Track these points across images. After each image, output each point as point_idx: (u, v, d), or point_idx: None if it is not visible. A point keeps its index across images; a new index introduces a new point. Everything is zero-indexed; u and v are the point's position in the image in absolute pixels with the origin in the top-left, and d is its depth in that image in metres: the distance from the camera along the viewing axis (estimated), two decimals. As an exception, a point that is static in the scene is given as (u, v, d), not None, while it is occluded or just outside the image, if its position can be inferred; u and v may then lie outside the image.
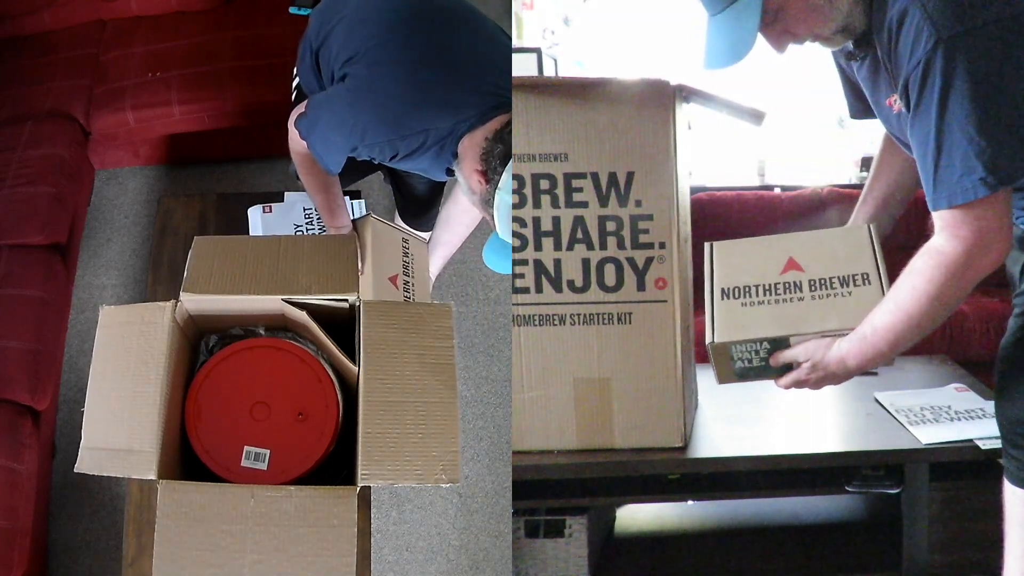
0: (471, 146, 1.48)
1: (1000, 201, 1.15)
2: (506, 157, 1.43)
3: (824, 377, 1.38)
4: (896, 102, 1.25)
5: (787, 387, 1.43)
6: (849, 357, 1.35)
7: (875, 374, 1.99)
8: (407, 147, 1.56)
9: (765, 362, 1.45)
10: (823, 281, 1.48)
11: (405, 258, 1.87)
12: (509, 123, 1.45)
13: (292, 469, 1.42)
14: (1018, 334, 1.32)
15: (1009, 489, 1.32)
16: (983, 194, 1.13)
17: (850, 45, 1.29)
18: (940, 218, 1.19)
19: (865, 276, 1.46)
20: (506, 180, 1.42)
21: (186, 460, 1.45)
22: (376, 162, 1.70)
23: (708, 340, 1.46)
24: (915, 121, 1.17)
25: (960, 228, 1.17)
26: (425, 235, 2.31)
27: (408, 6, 1.62)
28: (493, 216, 1.46)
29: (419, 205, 2.33)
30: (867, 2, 1.22)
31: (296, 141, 1.70)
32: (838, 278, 1.47)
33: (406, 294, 1.85)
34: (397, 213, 2.39)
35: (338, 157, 1.67)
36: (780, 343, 1.44)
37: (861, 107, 1.49)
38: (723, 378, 1.50)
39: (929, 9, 1.11)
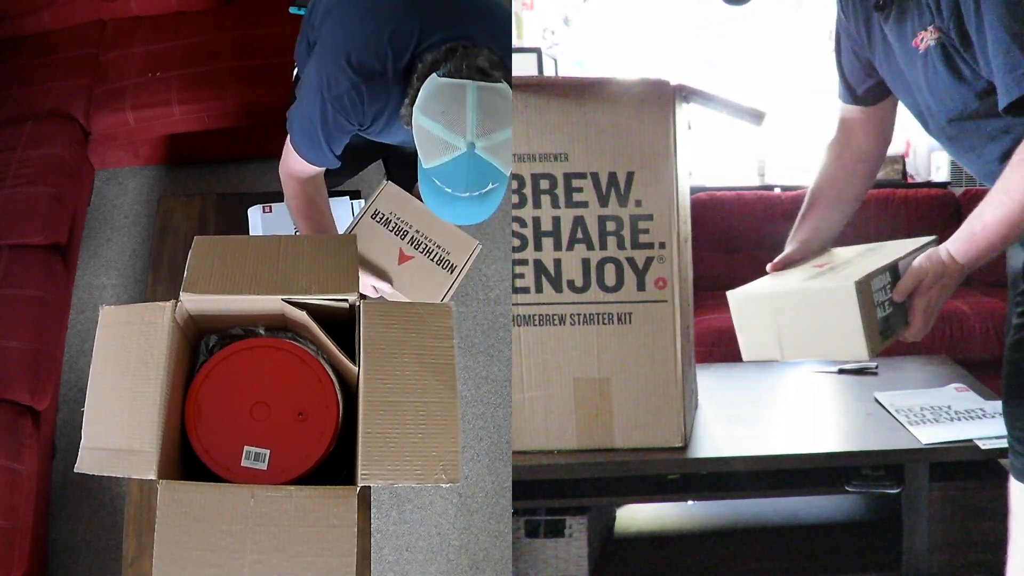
0: None
1: None
2: (427, 70, 1.39)
3: (944, 283, 1.31)
4: (923, 40, 1.26)
5: (921, 312, 1.33)
6: (960, 254, 1.30)
7: (875, 373, 1.99)
8: (372, 95, 1.52)
9: (892, 304, 1.31)
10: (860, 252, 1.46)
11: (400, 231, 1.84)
12: (451, 49, 1.40)
13: (292, 469, 1.42)
14: (1023, 331, 1.32)
15: (1017, 486, 1.33)
16: None
17: None
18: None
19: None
20: (421, 97, 1.37)
21: (186, 460, 1.45)
22: (364, 143, 1.67)
23: (847, 284, 1.27)
24: (976, 35, 1.18)
25: None
26: None
27: None
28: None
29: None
30: None
31: (284, 163, 1.69)
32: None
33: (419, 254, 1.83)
34: None
35: (319, 145, 1.63)
36: (895, 272, 1.33)
37: (851, 93, 1.52)
38: (872, 340, 1.28)
39: None
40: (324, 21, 1.63)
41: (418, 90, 1.39)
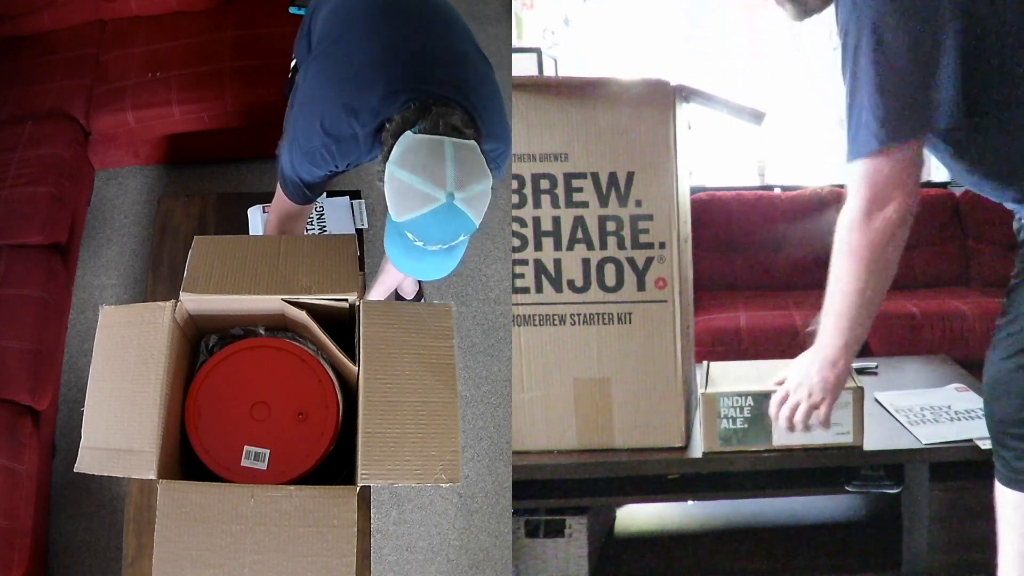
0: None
1: (895, 157, 1.19)
2: (400, 128, 1.40)
3: (813, 392, 1.41)
4: None
5: (788, 422, 1.45)
6: (818, 363, 1.37)
7: (875, 373, 1.99)
8: (343, 153, 1.55)
9: (746, 421, 1.56)
10: None
11: None
12: (422, 109, 1.41)
13: (292, 469, 1.42)
14: (1001, 333, 1.32)
15: (1000, 490, 1.32)
16: (873, 148, 1.18)
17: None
18: (848, 179, 1.24)
19: None
20: (396, 152, 1.38)
21: (186, 460, 1.45)
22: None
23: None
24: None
25: (859, 185, 1.23)
26: None
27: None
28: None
29: None
30: None
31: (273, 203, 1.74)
32: None
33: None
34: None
35: (294, 183, 1.65)
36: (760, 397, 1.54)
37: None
38: (709, 440, 1.58)
39: None
40: (309, 65, 1.64)
41: (391, 147, 1.40)
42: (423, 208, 1.34)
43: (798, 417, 1.42)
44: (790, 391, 1.43)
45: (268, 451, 1.43)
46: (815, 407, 1.41)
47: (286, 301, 1.49)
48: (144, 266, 2.60)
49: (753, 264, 3.19)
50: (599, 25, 3.30)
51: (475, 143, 1.39)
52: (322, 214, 2.16)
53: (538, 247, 1.52)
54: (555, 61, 3.24)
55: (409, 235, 1.38)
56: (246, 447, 1.42)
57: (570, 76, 3.13)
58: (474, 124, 1.44)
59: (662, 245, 1.50)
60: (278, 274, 1.53)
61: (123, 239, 2.72)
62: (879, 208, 1.20)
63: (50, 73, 2.63)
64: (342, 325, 1.52)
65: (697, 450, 1.58)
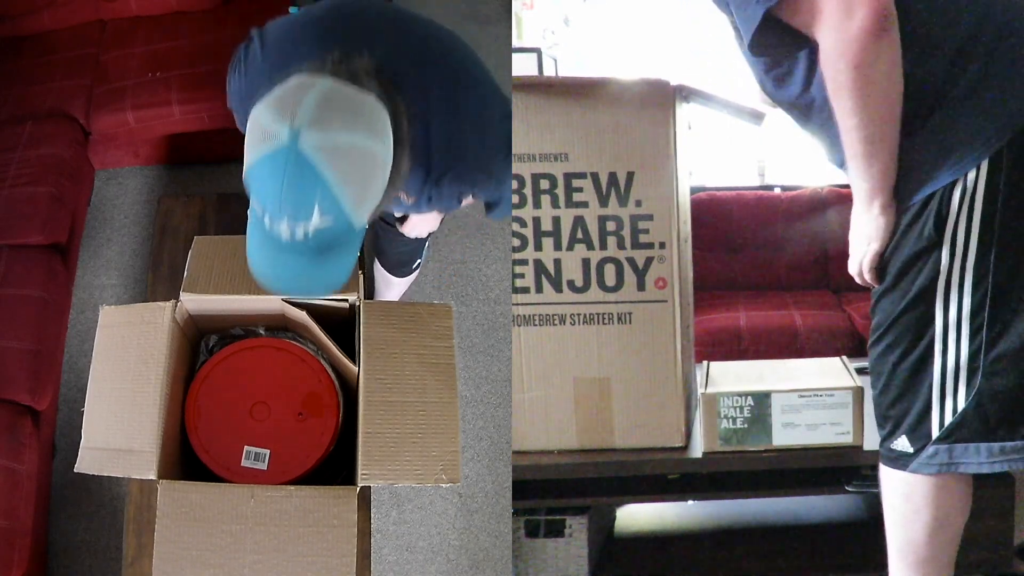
0: None
1: None
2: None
3: (871, 239, 1.28)
4: None
5: (860, 277, 1.33)
6: (859, 213, 1.27)
7: None
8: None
9: (746, 421, 1.57)
10: None
11: None
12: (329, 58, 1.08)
13: (292, 469, 1.42)
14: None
15: (883, 471, 1.35)
16: None
17: None
18: (814, 22, 1.12)
19: None
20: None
21: (186, 460, 1.45)
22: None
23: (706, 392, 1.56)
24: None
25: (819, 6, 1.10)
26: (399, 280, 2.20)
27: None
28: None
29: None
30: None
31: None
32: None
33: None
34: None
35: None
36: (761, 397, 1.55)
37: None
38: (709, 438, 1.58)
39: None
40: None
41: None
42: (262, 148, 0.98)
43: (866, 266, 1.31)
44: (852, 251, 1.34)
45: (268, 451, 1.43)
46: (879, 254, 1.31)
47: (286, 301, 1.49)
48: (144, 266, 2.60)
49: (753, 264, 3.19)
50: (599, 25, 3.30)
51: (373, 98, 1.03)
52: (322, 214, 2.16)
53: (538, 247, 1.52)
54: (555, 61, 3.24)
55: (254, 203, 1.02)
56: (246, 447, 1.43)
57: (570, 76, 3.13)
58: (389, 84, 1.08)
59: (662, 245, 1.50)
60: (278, 274, 1.53)
61: (123, 239, 2.72)
62: (847, 18, 1.08)
63: (50, 73, 2.63)
64: (342, 325, 1.52)
65: (697, 450, 1.58)
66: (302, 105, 0.97)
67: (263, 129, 0.98)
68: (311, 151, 0.96)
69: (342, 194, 0.99)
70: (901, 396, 1.28)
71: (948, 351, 1.24)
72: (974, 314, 1.22)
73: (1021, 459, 1.26)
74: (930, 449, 1.27)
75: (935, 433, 1.26)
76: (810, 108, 1.29)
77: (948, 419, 1.25)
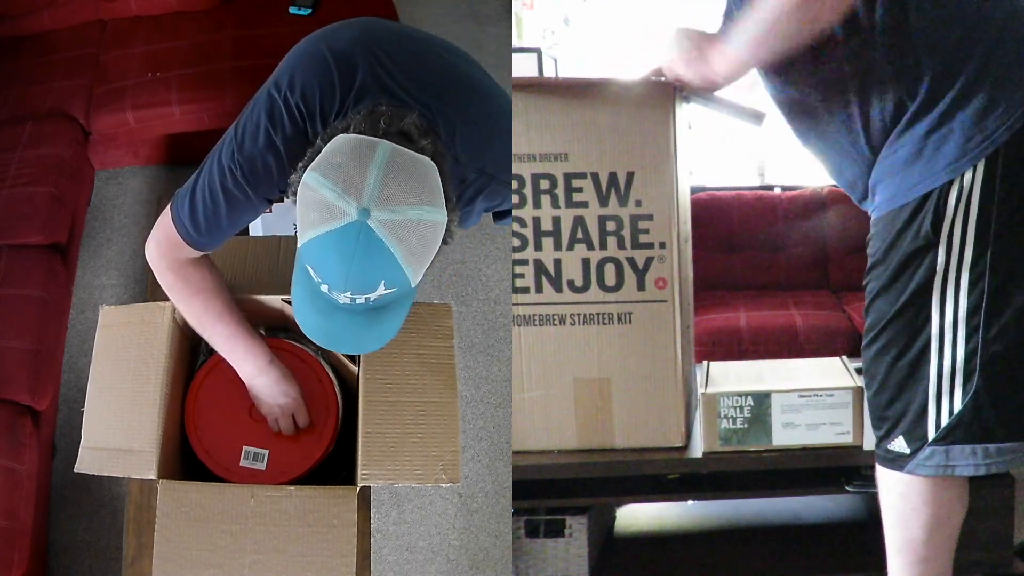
0: None
1: None
2: (340, 129, 1.06)
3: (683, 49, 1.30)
4: None
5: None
6: (708, 47, 1.28)
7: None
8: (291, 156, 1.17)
9: (746, 422, 1.56)
10: None
11: None
12: (376, 111, 1.07)
13: (291, 469, 1.42)
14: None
15: (879, 472, 1.35)
16: None
17: None
18: None
19: None
20: (319, 154, 1.03)
21: (186, 460, 1.45)
22: None
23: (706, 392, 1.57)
24: None
25: None
26: None
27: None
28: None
29: None
30: None
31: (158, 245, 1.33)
32: None
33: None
34: None
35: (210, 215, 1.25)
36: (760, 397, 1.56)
37: None
38: (709, 440, 1.58)
39: None
40: None
41: (319, 150, 1.04)
42: (325, 225, 0.97)
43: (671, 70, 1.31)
44: (668, 51, 1.32)
45: (267, 451, 1.43)
46: (677, 77, 1.32)
47: (286, 301, 1.49)
48: (144, 266, 2.60)
49: (753, 264, 3.19)
50: (599, 25, 3.30)
51: (428, 160, 1.03)
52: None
53: (538, 247, 1.52)
54: (555, 61, 3.24)
55: (311, 271, 1.01)
56: (245, 447, 1.43)
57: (570, 76, 3.13)
58: (435, 135, 1.11)
59: (662, 245, 1.50)
60: (278, 274, 1.54)
61: (123, 239, 2.72)
62: None
63: (50, 73, 2.63)
64: (342, 325, 1.52)
65: (697, 450, 1.58)
66: (367, 183, 0.96)
67: (325, 204, 0.97)
68: (380, 230, 0.96)
69: (408, 267, 0.99)
70: (897, 397, 1.28)
71: (944, 352, 1.23)
72: (971, 315, 1.21)
73: (1017, 460, 1.26)
74: (926, 451, 1.27)
75: (931, 435, 1.26)
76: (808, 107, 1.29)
77: (945, 420, 1.25)
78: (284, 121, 1.18)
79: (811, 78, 1.25)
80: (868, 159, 1.25)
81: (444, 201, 1.03)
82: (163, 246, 1.34)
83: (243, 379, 1.43)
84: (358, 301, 1.00)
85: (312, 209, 0.98)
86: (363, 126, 1.03)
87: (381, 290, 0.99)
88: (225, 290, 1.41)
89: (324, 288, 1.01)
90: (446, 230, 1.05)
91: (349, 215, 0.95)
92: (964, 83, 1.15)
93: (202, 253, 1.35)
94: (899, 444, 1.29)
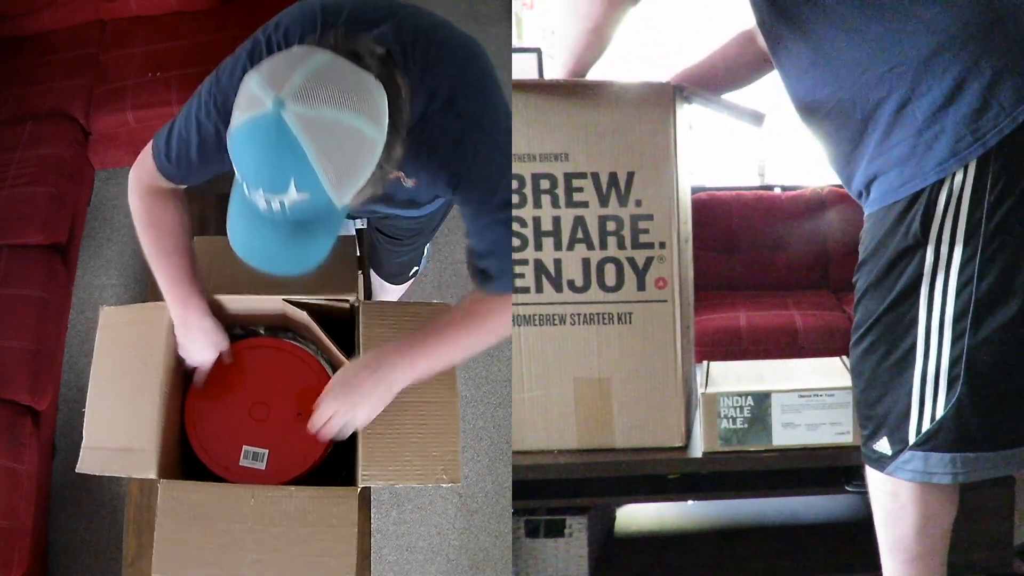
0: None
1: None
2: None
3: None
4: None
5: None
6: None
7: None
8: None
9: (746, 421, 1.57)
10: None
11: None
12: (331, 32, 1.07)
13: (291, 469, 1.42)
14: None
15: (867, 470, 1.34)
16: None
17: None
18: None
19: None
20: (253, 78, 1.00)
21: (186, 460, 1.45)
22: None
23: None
24: None
25: None
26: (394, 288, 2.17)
27: None
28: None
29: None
30: None
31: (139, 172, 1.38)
32: None
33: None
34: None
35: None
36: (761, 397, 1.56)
37: None
38: (709, 441, 1.58)
39: None
40: None
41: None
42: (244, 114, 0.98)
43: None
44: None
45: (267, 451, 1.42)
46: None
47: (286, 301, 1.50)
48: (144, 266, 2.60)
49: (753, 264, 3.19)
50: (599, 25, 3.29)
51: (372, 77, 1.02)
52: (322, 214, 2.17)
53: (538, 247, 1.52)
54: (555, 61, 3.24)
55: (236, 170, 1.03)
56: (244, 447, 1.42)
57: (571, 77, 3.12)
58: (393, 65, 1.08)
59: (662, 245, 1.50)
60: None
61: (123, 239, 2.72)
62: None
63: (50, 73, 2.63)
64: (342, 325, 1.52)
65: (697, 450, 1.58)
66: (292, 77, 0.96)
67: (251, 94, 0.97)
68: (294, 122, 0.95)
69: (321, 170, 0.97)
70: (882, 397, 1.27)
71: (930, 355, 1.22)
72: (957, 319, 1.19)
73: (996, 471, 1.25)
74: (906, 455, 1.26)
75: (912, 439, 1.24)
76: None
77: (927, 425, 1.23)
78: (262, 57, 1.17)
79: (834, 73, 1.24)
80: (866, 153, 1.24)
81: (380, 119, 1.02)
82: (139, 170, 1.38)
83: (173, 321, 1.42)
84: (275, 206, 0.99)
85: (240, 99, 0.99)
86: (316, 41, 1.04)
87: (294, 193, 0.98)
88: (184, 234, 1.41)
89: (246, 190, 1.01)
90: (389, 155, 1.04)
91: (265, 105, 0.95)
92: (957, 83, 1.15)
93: (173, 186, 1.37)
94: (883, 445, 1.28)
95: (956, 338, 1.20)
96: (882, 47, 1.17)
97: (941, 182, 1.17)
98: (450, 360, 1.34)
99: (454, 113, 1.17)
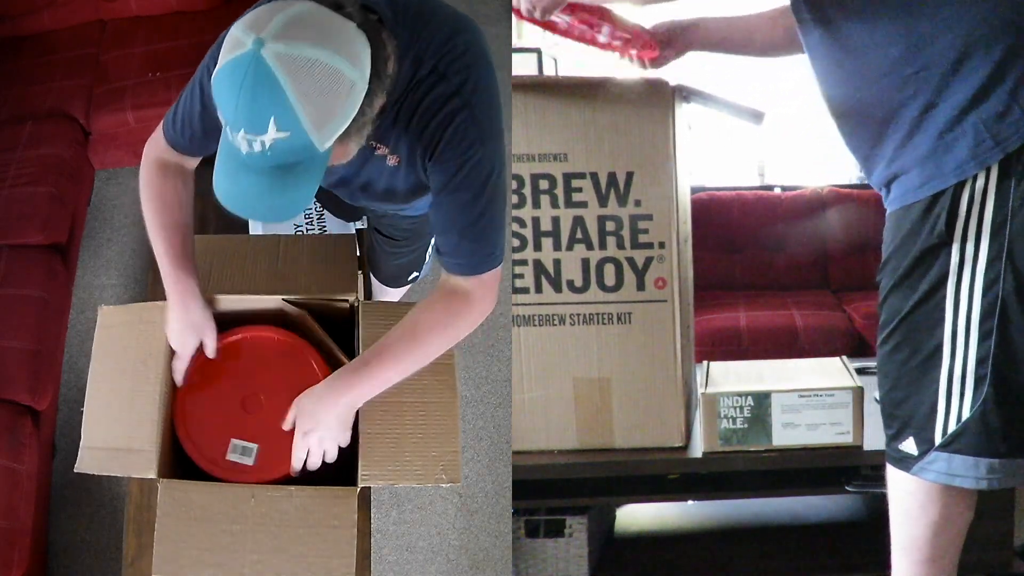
0: None
1: None
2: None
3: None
4: None
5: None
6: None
7: (875, 373, 1.99)
8: None
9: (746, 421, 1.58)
10: None
11: None
12: None
13: (281, 466, 1.40)
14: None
15: (888, 469, 1.34)
16: None
17: None
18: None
19: None
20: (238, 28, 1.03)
21: (186, 459, 1.45)
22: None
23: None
24: None
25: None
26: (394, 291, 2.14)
27: None
28: None
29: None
30: None
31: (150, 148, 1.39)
32: None
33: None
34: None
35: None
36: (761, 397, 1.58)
37: None
38: (709, 441, 1.60)
39: None
40: None
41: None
42: (226, 56, 1.01)
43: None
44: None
45: (256, 446, 1.41)
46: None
47: (286, 301, 1.49)
48: (144, 266, 2.60)
49: (753, 264, 3.19)
50: (599, 25, 3.29)
51: (353, 25, 1.03)
52: (322, 214, 2.16)
53: (537, 247, 1.52)
54: (555, 61, 3.24)
55: (220, 111, 1.03)
56: (232, 440, 1.41)
57: (570, 76, 3.12)
58: (379, 22, 1.09)
59: (662, 245, 1.50)
60: (278, 274, 1.53)
61: (123, 239, 2.72)
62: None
63: (50, 73, 2.63)
64: (342, 325, 1.52)
65: (697, 450, 1.58)
66: (273, 20, 0.98)
67: (233, 38, 1.00)
68: (272, 60, 0.96)
69: (301, 109, 0.98)
70: (908, 397, 1.26)
71: (956, 354, 1.21)
72: (984, 318, 1.18)
73: (1017, 479, 1.24)
74: (931, 455, 1.25)
75: (938, 439, 1.24)
76: None
77: (952, 426, 1.22)
78: None
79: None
80: (887, 152, 1.23)
81: (362, 64, 1.03)
82: (152, 143, 1.39)
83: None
84: (256, 148, 1.00)
85: (225, 44, 1.02)
86: None
87: (273, 132, 0.98)
88: (183, 212, 1.41)
89: (229, 135, 1.02)
90: (369, 105, 1.05)
91: (245, 45, 0.98)
92: (982, 86, 1.14)
93: (182, 159, 1.38)
94: (909, 445, 1.27)
95: (983, 337, 1.19)
96: (910, 49, 1.16)
97: (963, 183, 1.16)
98: (386, 382, 1.34)
99: (437, 81, 1.16)
